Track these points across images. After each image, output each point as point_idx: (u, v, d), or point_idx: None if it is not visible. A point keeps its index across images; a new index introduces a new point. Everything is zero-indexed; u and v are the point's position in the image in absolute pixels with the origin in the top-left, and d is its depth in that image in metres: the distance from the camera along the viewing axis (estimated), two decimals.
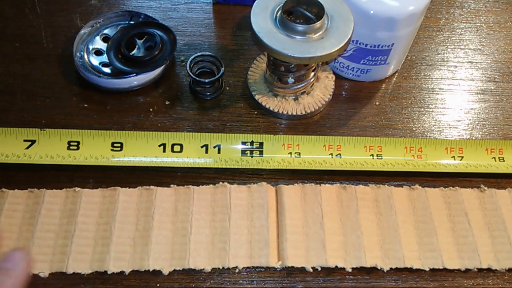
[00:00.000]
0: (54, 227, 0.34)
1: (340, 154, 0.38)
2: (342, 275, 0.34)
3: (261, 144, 0.38)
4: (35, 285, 0.32)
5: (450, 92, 0.44)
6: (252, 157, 0.38)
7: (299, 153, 0.38)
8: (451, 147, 0.39)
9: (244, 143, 0.38)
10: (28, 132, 0.37)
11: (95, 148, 0.37)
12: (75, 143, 0.37)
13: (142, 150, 0.37)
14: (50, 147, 0.37)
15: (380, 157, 0.38)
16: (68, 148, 0.37)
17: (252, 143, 0.38)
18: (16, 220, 0.34)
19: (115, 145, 0.37)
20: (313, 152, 0.38)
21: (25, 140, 0.37)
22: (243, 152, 0.38)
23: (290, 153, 0.38)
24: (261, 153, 0.38)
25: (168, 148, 0.38)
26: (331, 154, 0.38)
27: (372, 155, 0.38)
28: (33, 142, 0.37)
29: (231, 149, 0.38)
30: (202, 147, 0.38)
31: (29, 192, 0.36)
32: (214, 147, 0.38)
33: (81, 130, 0.38)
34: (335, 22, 0.36)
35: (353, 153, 0.38)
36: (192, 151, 0.37)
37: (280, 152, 0.38)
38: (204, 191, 0.36)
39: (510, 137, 0.41)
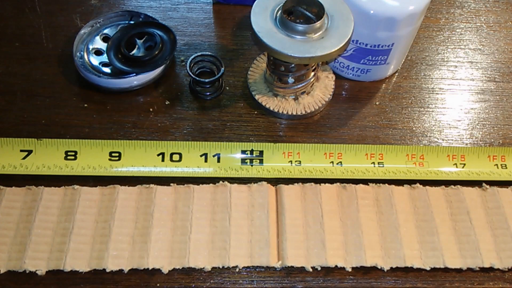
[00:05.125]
0: (52, 224, 0.34)
1: (341, 162, 0.38)
2: (342, 275, 0.33)
3: (261, 152, 0.38)
4: (32, 283, 0.32)
5: (450, 92, 0.44)
6: (252, 165, 0.37)
7: (300, 161, 0.38)
8: (453, 154, 0.38)
9: (244, 151, 0.38)
10: (24, 142, 0.37)
11: (93, 158, 0.37)
12: (73, 153, 0.37)
13: (140, 159, 0.37)
14: (47, 157, 0.37)
15: (381, 165, 0.38)
16: (66, 158, 0.37)
17: (252, 151, 0.38)
18: (13, 217, 0.34)
19: (113, 154, 0.37)
20: (314, 161, 0.38)
21: (21, 150, 0.37)
22: (243, 161, 0.38)
23: (291, 161, 0.38)
24: (261, 161, 0.37)
25: (167, 157, 0.37)
26: (332, 162, 0.38)
27: (374, 163, 0.38)
28: (29, 152, 0.37)
29: (230, 158, 0.38)
30: (201, 156, 0.37)
31: (26, 189, 0.36)
32: (214, 156, 0.38)
33: (79, 140, 0.37)
34: (335, 22, 0.36)
35: (354, 161, 0.38)
36: (191, 160, 0.37)
37: (280, 160, 0.38)
38: (204, 190, 0.36)
39: (510, 137, 0.41)
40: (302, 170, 0.37)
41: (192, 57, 0.41)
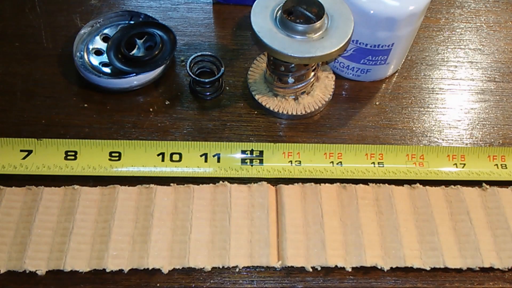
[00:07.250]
0: (52, 224, 0.34)
1: (341, 162, 0.38)
2: (342, 275, 0.33)
3: (261, 152, 0.38)
4: (32, 283, 0.32)
5: (450, 92, 0.44)
6: (252, 165, 0.37)
7: (300, 161, 0.38)
8: (453, 154, 0.38)
9: (244, 151, 0.38)
10: (24, 142, 0.37)
11: (93, 158, 0.37)
12: (73, 153, 0.37)
13: (140, 159, 0.37)
14: (47, 157, 0.37)
15: (381, 165, 0.38)
16: (66, 158, 0.37)
17: (252, 151, 0.38)
18: (13, 218, 0.34)
19: (113, 154, 0.37)
20: (314, 161, 0.38)
21: (21, 150, 0.37)
22: (243, 161, 0.37)
23: (291, 161, 0.38)
24: (261, 161, 0.37)
25: (167, 157, 0.37)
26: (332, 162, 0.38)
27: (374, 163, 0.38)
28: (29, 152, 0.37)
29: (230, 158, 0.38)
30: (201, 156, 0.37)
31: (26, 189, 0.36)
32: (214, 156, 0.38)
33: (79, 140, 0.37)
34: (335, 22, 0.36)
35: (354, 161, 0.38)
36: (191, 160, 0.37)
37: (280, 160, 0.38)
38: (204, 190, 0.36)
39: (510, 137, 0.41)
40: (302, 170, 0.37)
41: (192, 57, 0.41)
